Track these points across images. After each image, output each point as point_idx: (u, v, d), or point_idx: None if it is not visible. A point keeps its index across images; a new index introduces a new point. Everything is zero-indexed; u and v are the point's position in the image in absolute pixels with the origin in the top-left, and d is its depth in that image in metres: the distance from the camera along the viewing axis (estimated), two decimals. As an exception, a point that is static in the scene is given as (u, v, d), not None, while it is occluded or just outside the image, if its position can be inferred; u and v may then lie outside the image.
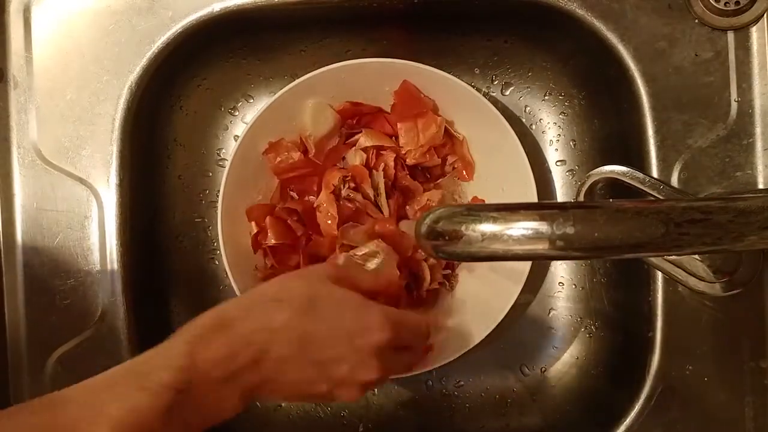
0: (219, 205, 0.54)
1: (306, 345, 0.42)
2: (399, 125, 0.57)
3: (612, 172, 0.48)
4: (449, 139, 0.59)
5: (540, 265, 0.62)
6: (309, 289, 0.44)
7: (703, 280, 0.47)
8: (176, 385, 0.38)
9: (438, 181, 0.60)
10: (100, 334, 0.55)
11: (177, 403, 0.37)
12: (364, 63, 0.54)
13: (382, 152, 0.58)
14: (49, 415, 0.36)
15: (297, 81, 0.53)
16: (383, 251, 0.54)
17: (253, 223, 0.57)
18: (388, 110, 0.59)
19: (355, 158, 0.58)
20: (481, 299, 0.57)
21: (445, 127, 0.58)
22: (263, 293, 0.44)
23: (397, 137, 0.58)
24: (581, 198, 0.50)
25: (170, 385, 0.37)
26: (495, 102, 0.62)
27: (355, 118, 0.59)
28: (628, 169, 0.47)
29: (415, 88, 0.55)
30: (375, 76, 0.55)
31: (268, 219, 0.57)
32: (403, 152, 0.58)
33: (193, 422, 0.40)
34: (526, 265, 0.54)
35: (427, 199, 0.58)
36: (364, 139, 0.58)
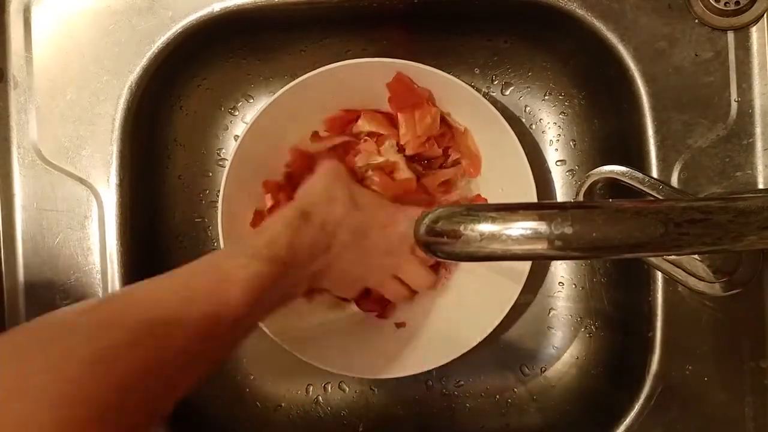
0: (219, 205, 0.54)
1: (360, 234, 0.53)
2: (398, 115, 0.57)
3: (612, 172, 0.48)
4: (449, 129, 0.59)
5: (540, 265, 0.62)
6: (349, 188, 0.55)
7: (703, 280, 0.47)
8: (283, 259, 0.45)
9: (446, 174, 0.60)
10: (100, 334, 0.55)
11: (281, 274, 0.45)
12: (364, 63, 0.54)
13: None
14: (182, 280, 0.42)
15: (296, 81, 0.53)
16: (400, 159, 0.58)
17: (268, 196, 0.58)
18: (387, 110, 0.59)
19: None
20: (481, 299, 0.57)
21: (444, 117, 0.58)
22: (320, 192, 0.53)
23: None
24: (581, 198, 0.50)
25: (279, 258, 0.45)
26: (495, 102, 0.62)
27: (350, 124, 0.59)
28: (628, 169, 0.47)
29: (408, 79, 0.55)
30: (375, 76, 0.55)
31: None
32: (402, 142, 0.58)
33: (275, 301, 0.47)
34: (525, 265, 0.54)
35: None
36: (362, 123, 0.58)
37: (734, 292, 0.47)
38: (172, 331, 0.38)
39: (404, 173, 0.58)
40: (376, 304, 0.60)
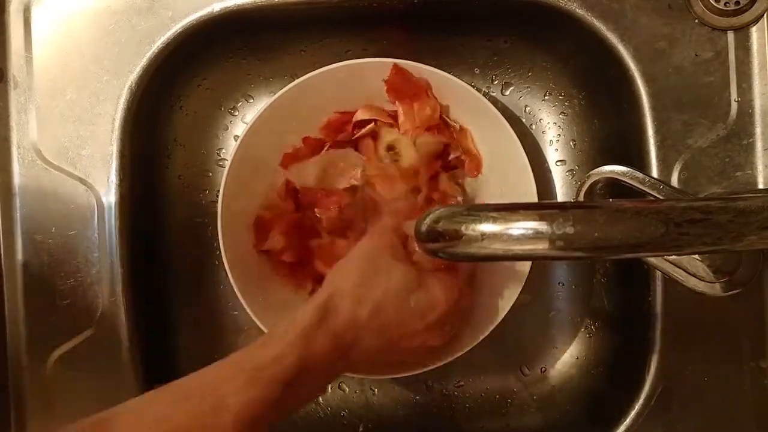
0: (219, 205, 0.54)
1: (385, 330, 0.46)
2: (397, 105, 0.57)
3: (612, 172, 0.48)
4: (447, 128, 0.58)
5: (540, 265, 0.61)
6: (379, 290, 0.46)
7: (703, 280, 0.47)
8: (288, 380, 0.40)
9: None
10: (100, 334, 0.55)
11: (283, 395, 0.40)
12: (364, 63, 0.54)
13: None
14: (172, 409, 0.39)
15: (296, 81, 0.53)
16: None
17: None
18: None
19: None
20: (480, 299, 0.57)
21: (443, 117, 0.57)
22: (356, 285, 0.46)
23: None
24: (581, 198, 0.50)
25: (282, 380, 0.40)
26: (495, 102, 0.62)
27: (346, 126, 0.59)
28: (628, 169, 0.47)
29: (406, 71, 0.55)
30: (375, 76, 0.55)
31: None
32: (401, 132, 0.57)
33: (291, 408, 0.44)
34: (525, 266, 0.54)
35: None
36: (361, 113, 0.57)
37: (734, 292, 0.47)
38: None
39: (408, 154, 0.57)
40: None
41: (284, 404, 0.41)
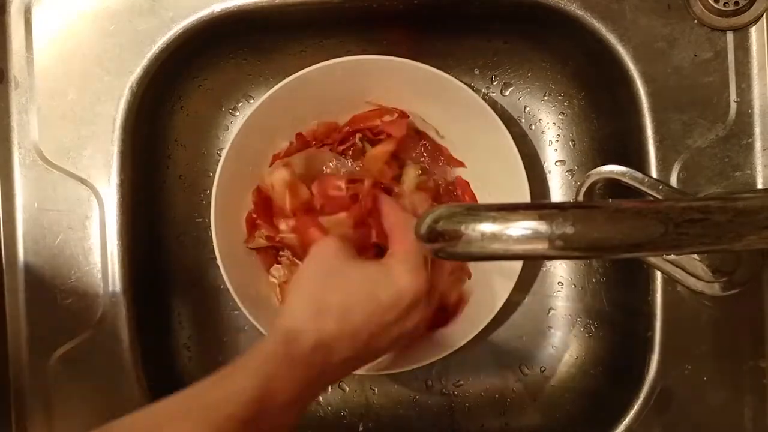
0: (212, 200, 0.54)
1: (358, 333, 0.42)
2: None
3: (611, 172, 0.48)
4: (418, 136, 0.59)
5: (539, 264, 0.62)
6: (340, 293, 0.44)
7: (702, 280, 0.47)
8: (246, 418, 0.37)
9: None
10: (100, 334, 0.55)
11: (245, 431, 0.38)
12: (361, 60, 0.54)
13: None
14: None
15: (293, 76, 0.53)
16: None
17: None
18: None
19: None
20: (475, 296, 0.58)
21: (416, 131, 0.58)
22: (312, 303, 0.43)
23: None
24: (580, 198, 0.50)
25: (239, 418, 0.37)
26: (494, 102, 0.62)
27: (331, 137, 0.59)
28: (627, 169, 0.47)
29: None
30: (371, 73, 0.55)
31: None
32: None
33: None
34: (517, 264, 0.54)
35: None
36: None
37: (733, 292, 0.47)
38: None
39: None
40: None
41: None
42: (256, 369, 0.39)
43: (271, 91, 0.53)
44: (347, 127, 0.59)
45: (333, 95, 0.57)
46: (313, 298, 0.43)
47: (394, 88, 0.56)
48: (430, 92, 0.56)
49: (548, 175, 0.61)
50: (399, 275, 0.44)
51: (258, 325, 0.54)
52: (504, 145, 0.53)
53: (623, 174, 0.48)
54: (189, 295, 0.63)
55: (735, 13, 0.50)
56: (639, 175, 0.47)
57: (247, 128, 0.54)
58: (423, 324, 0.47)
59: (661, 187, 0.47)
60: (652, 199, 0.46)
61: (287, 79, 0.53)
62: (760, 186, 0.51)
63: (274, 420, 0.39)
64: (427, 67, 0.53)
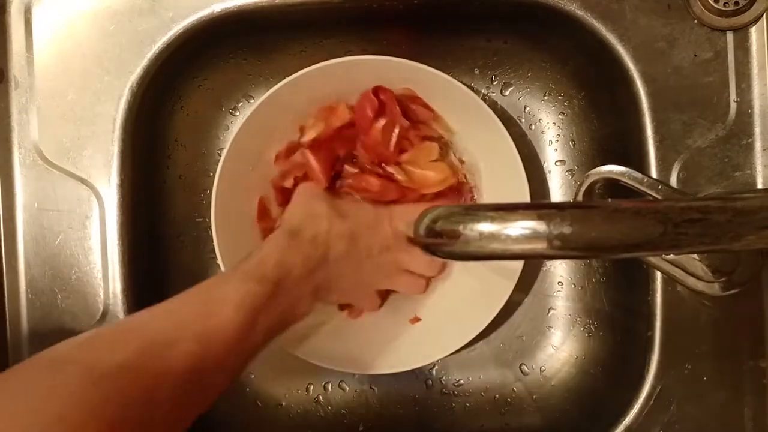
0: (213, 199, 0.54)
1: (352, 240, 0.53)
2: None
3: (611, 172, 0.48)
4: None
5: (539, 264, 0.62)
6: (328, 202, 0.55)
7: (702, 280, 0.47)
8: (275, 279, 0.46)
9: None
10: (101, 333, 0.55)
11: (274, 294, 0.45)
12: (360, 60, 0.54)
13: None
14: (175, 306, 0.43)
15: (292, 76, 0.53)
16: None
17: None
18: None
19: None
20: (475, 296, 0.58)
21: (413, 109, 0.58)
22: (302, 212, 0.55)
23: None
24: (580, 198, 0.50)
25: (271, 278, 0.46)
26: (494, 102, 0.62)
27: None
28: (627, 169, 0.47)
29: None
30: (371, 73, 0.55)
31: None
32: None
33: (274, 322, 0.46)
34: (518, 265, 0.54)
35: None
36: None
37: (733, 291, 0.47)
38: (166, 352, 0.38)
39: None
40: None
41: (276, 308, 0.46)
42: (273, 249, 0.48)
43: (270, 91, 0.53)
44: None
45: (333, 95, 0.57)
46: (307, 207, 0.55)
47: (393, 88, 0.56)
48: (430, 92, 0.56)
49: (548, 175, 0.61)
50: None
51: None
52: (503, 145, 0.53)
53: (623, 174, 0.48)
54: (189, 295, 0.63)
55: (735, 13, 0.50)
56: (638, 175, 0.47)
57: (247, 128, 0.54)
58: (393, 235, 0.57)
59: (660, 187, 0.47)
60: (651, 199, 0.46)
61: (287, 79, 0.53)
62: (760, 186, 0.51)
63: (294, 290, 0.48)
64: (426, 67, 0.53)
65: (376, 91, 0.56)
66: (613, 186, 0.49)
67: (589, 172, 0.49)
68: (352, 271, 0.54)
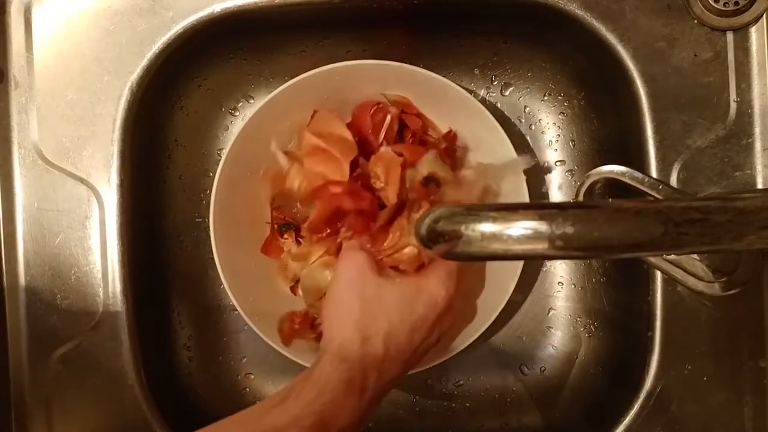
0: (212, 201, 0.54)
1: (404, 351, 0.45)
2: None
3: (611, 172, 0.48)
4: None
5: (539, 264, 0.62)
6: (382, 318, 0.45)
7: (702, 280, 0.47)
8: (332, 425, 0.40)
9: None
10: (100, 334, 0.55)
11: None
12: (360, 64, 0.54)
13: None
14: None
15: (292, 81, 0.53)
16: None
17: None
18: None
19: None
20: (475, 297, 0.58)
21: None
22: (351, 331, 0.44)
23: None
24: (581, 198, 0.50)
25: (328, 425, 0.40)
26: (494, 102, 0.62)
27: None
28: (628, 169, 0.47)
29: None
30: (371, 77, 0.55)
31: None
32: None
33: None
34: (517, 269, 0.54)
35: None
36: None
37: (733, 291, 0.47)
38: None
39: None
40: None
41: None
42: (315, 396, 0.41)
43: (271, 95, 0.53)
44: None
45: (332, 98, 0.57)
46: (357, 326, 0.44)
47: (391, 91, 0.56)
48: (428, 95, 0.56)
49: (548, 175, 0.61)
50: (434, 287, 0.47)
51: (254, 328, 0.54)
52: (502, 145, 0.53)
53: (623, 174, 0.48)
54: (189, 295, 0.63)
55: (735, 13, 0.50)
56: (639, 175, 0.47)
57: (247, 130, 0.54)
58: (450, 321, 0.50)
59: (661, 187, 0.47)
60: (652, 199, 0.46)
61: (288, 83, 0.53)
62: (760, 186, 0.51)
63: (340, 416, 0.41)
64: (423, 70, 0.53)
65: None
66: (613, 186, 0.49)
67: (590, 172, 0.49)
68: (401, 374, 0.47)
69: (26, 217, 0.55)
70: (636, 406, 0.52)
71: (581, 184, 0.50)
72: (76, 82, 0.55)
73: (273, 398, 0.42)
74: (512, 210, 0.30)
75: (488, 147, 0.55)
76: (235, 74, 0.62)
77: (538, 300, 0.62)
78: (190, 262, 0.63)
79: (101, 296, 0.55)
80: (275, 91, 0.53)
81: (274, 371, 0.63)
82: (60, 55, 0.55)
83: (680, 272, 0.47)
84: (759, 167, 0.51)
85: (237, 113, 0.63)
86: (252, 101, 0.63)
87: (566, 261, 0.61)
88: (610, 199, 0.53)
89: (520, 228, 0.30)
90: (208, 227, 0.54)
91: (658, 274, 0.51)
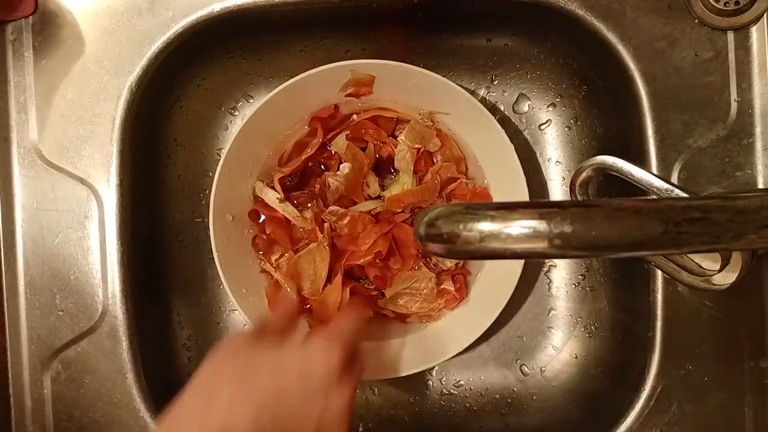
0: (211, 201, 0.54)
1: (282, 421, 0.40)
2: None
3: (603, 163, 0.47)
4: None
5: (539, 264, 0.62)
6: (246, 386, 0.40)
7: (694, 274, 0.46)
8: None
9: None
10: (100, 334, 0.55)
11: None
12: (360, 64, 0.54)
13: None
14: None
15: (292, 80, 0.53)
16: None
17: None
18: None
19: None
20: (476, 297, 0.58)
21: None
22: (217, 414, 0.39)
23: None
24: (576, 192, 0.49)
25: None
26: (494, 102, 0.62)
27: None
28: (616, 159, 0.46)
29: None
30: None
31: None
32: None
33: None
34: (519, 264, 0.54)
35: None
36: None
37: (726, 285, 0.46)
38: None
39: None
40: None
41: None
42: None
43: (271, 95, 0.53)
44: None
45: (331, 98, 0.57)
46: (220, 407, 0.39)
47: (390, 91, 0.56)
48: (427, 94, 0.56)
49: (547, 175, 0.61)
50: (309, 349, 0.43)
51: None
52: (502, 145, 0.53)
53: (612, 165, 0.47)
54: (188, 295, 0.63)
55: (735, 13, 0.50)
56: (629, 166, 0.46)
57: (246, 130, 0.54)
58: (346, 410, 0.43)
59: (653, 180, 0.46)
60: (652, 198, 0.46)
61: (287, 83, 0.53)
62: (760, 186, 0.51)
63: None
64: (422, 70, 0.53)
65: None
66: (613, 186, 0.49)
67: (581, 164, 0.48)
68: None
69: (25, 217, 0.55)
70: (636, 407, 0.52)
71: (576, 174, 0.48)
72: (76, 81, 0.55)
73: None
74: (511, 209, 0.30)
75: (487, 144, 0.55)
76: (234, 74, 0.62)
77: (539, 300, 0.62)
78: (189, 262, 0.63)
79: (100, 296, 0.55)
80: (275, 91, 0.53)
81: (274, 371, 0.63)
82: (59, 54, 0.55)
83: (673, 266, 0.46)
84: (760, 167, 0.51)
85: (236, 113, 0.63)
86: (252, 101, 0.63)
87: (566, 261, 0.61)
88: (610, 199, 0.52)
89: (519, 227, 0.29)
90: (208, 227, 0.54)
91: (659, 274, 0.51)
